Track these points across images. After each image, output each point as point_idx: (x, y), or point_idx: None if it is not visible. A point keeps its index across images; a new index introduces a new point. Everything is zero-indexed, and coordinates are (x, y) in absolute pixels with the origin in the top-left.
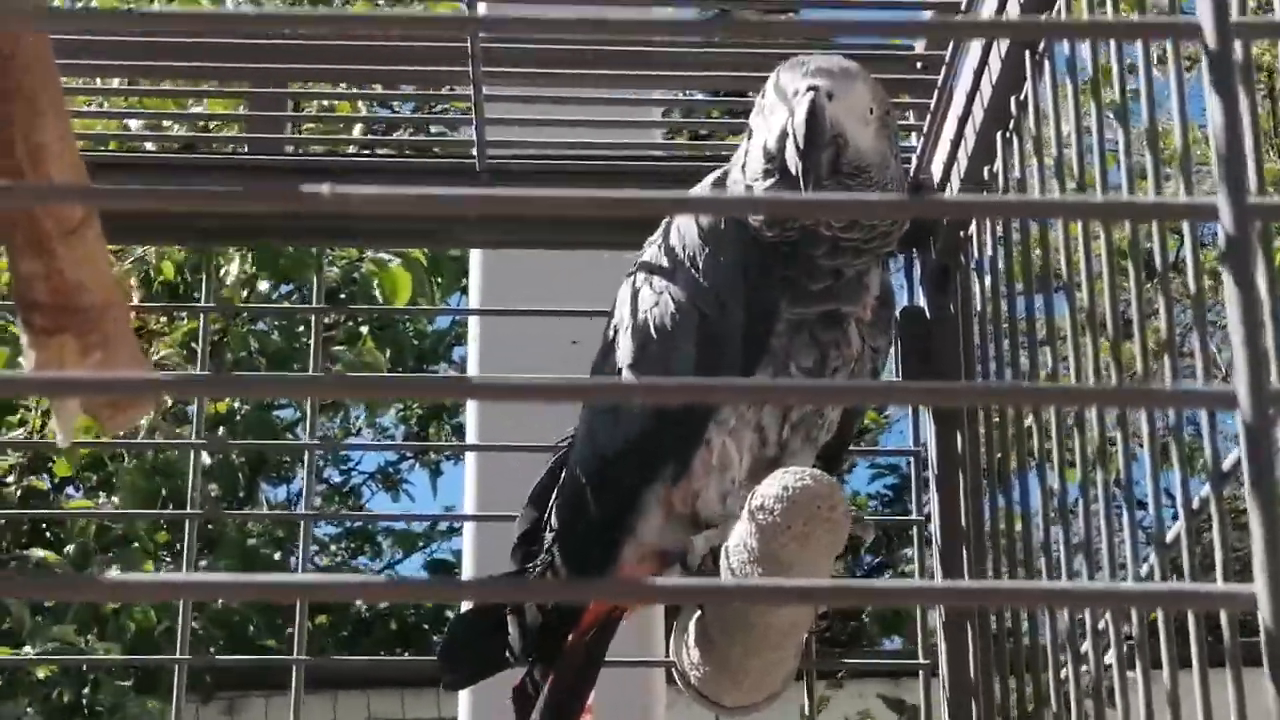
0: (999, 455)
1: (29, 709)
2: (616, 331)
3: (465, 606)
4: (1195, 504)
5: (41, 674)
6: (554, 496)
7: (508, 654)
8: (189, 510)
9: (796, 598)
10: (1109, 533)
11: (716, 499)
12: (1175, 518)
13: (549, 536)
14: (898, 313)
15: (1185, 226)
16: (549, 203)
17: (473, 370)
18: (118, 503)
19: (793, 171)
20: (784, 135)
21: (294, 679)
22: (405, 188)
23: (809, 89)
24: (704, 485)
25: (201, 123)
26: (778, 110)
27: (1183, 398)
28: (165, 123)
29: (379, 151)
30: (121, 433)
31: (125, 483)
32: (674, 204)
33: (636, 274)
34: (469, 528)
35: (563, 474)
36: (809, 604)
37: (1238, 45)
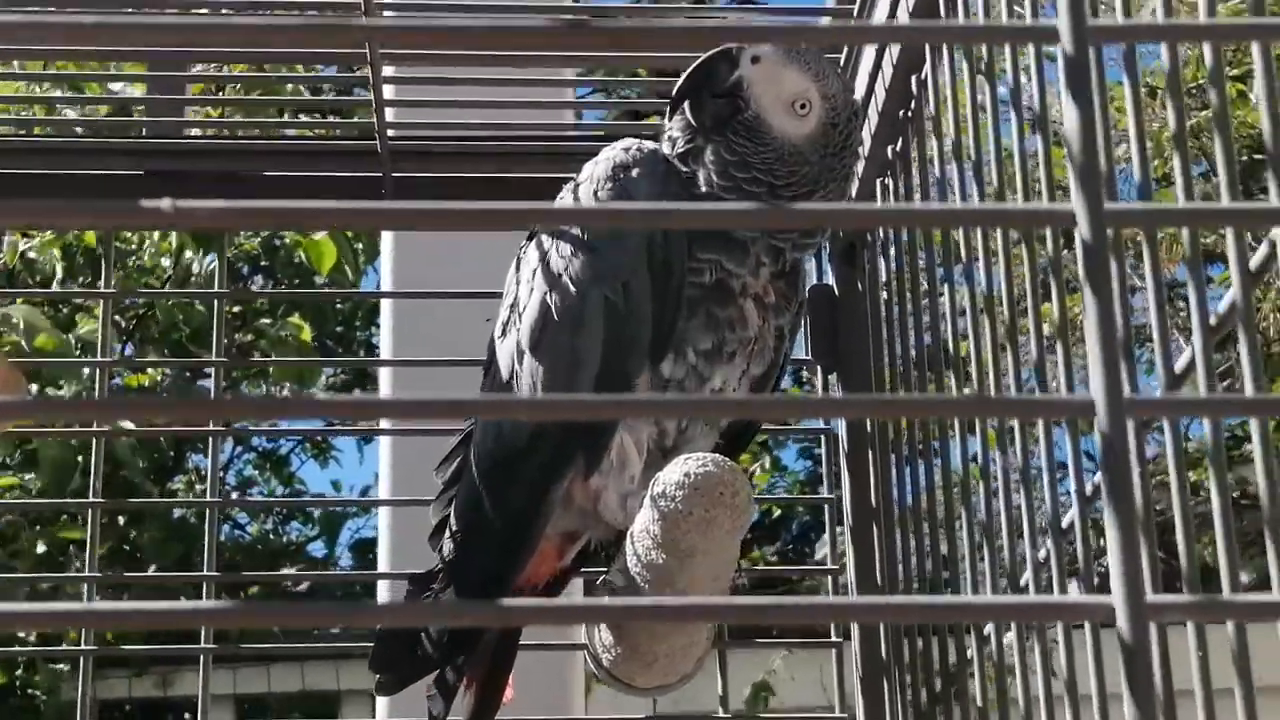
0: (905, 437)
1: None
2: (512, 310)
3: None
4: (1089, 490)
5: None
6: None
7: (427, 647)
8: (90, 499)
9: (696, 616)
10: (1008, 516)
11: (617, 502)
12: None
13: (448, 545)
14: (806, 290)
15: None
16: (393, 215)
17: (385, 343)
18: (38, 480)
19: (676, 101)
20: None
21: (202, 667)
22: (254, 201)
23: (739, 47)
24: (604, 485)
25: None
26: None
27: (1040, 407)
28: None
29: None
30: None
31: (46, 458)
32: (542, 214)
33: (531, 247)
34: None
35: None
36: (709, 621)
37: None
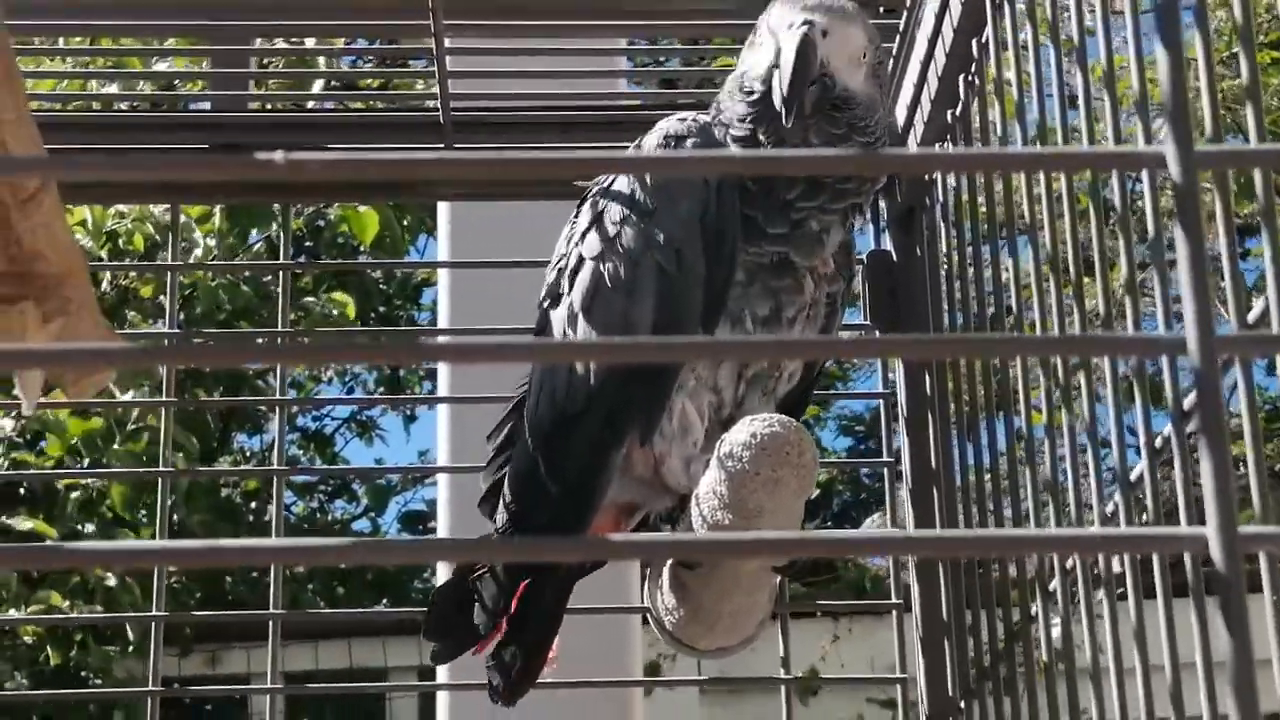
0: (967, 396)
1: (15, 674)
2: (561, 274)
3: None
4: (1158, 442)
5: (29, 638)
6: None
7: (477, 618)
8: (160, 468)
9: (762, 550)
10: (1074, 472)
11: (681, 467)
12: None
13: (501, 516)
14: (864, 255)
15: (1145, 172)
16: (512, 166)
17: (443, 314)
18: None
19: (777, 106)
20: (772, 69)
21: (271, 633)
22: (362, 153)
23: (804, 23)
24: (667, 451)
25: (166, 83)
26: (767, 44)
27: (1133, 344)
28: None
29: (344, 106)
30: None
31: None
32: (626, 163)
33: (583, 214)
34: (443, 474)
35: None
36: (775, 554)
37: None
